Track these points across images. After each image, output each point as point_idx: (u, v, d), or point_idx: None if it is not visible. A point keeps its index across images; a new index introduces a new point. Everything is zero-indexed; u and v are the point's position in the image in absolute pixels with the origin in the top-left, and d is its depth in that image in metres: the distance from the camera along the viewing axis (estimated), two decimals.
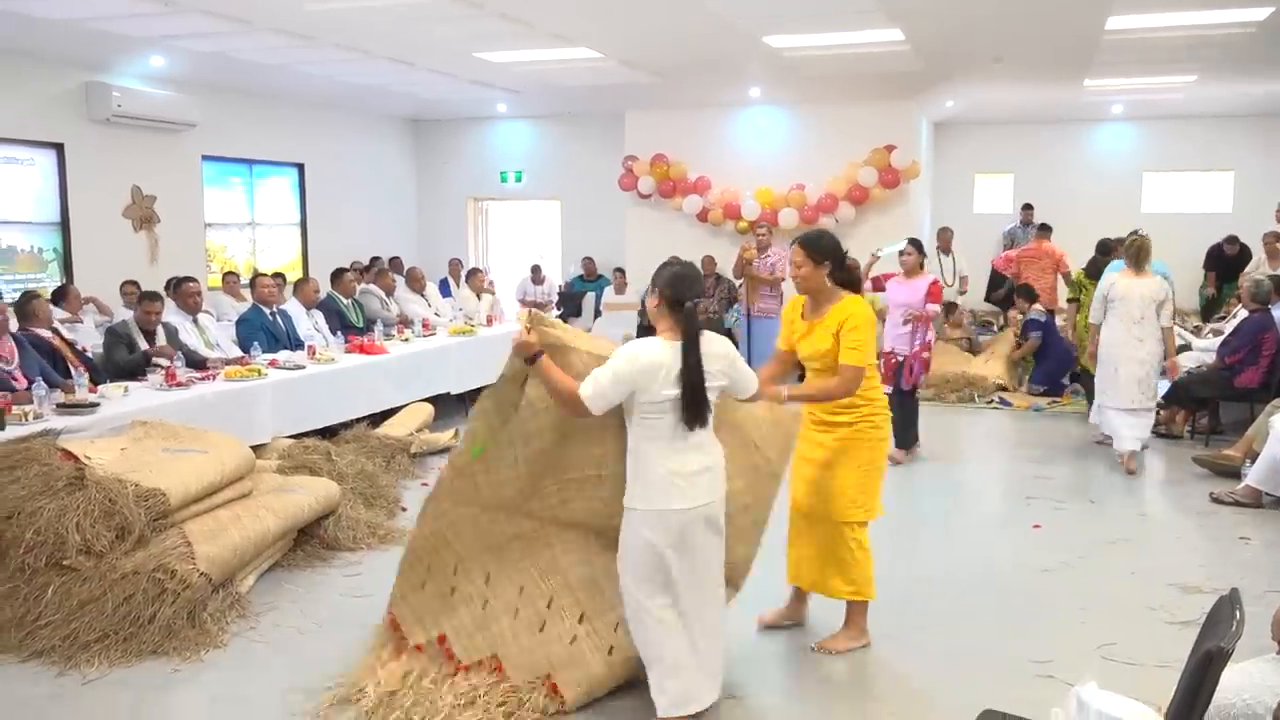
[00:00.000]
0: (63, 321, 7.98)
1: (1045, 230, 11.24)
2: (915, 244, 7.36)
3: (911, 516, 6.15)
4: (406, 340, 8.60)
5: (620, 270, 12.59)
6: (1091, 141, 14.14)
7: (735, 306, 10.51)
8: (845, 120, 11.74)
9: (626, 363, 3.32)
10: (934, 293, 7.21)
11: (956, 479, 7.16)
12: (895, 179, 11.56)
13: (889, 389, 6.37)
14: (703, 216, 12.17)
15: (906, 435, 7.39)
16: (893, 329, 7.24)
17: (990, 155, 14.48)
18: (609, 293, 12.57)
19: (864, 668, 4.05)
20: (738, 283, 10.30)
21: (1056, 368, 9.64)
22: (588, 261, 13.18)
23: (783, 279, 10.13)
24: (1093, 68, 10.04)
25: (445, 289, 12.05)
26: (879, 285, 7.45)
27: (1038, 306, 9.82)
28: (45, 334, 6.75)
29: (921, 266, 7.38)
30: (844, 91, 11.19)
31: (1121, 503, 6.48)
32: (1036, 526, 5.89)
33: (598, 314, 12.55)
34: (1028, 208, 13.31)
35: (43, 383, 5.72)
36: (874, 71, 10.12)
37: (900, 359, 7.25)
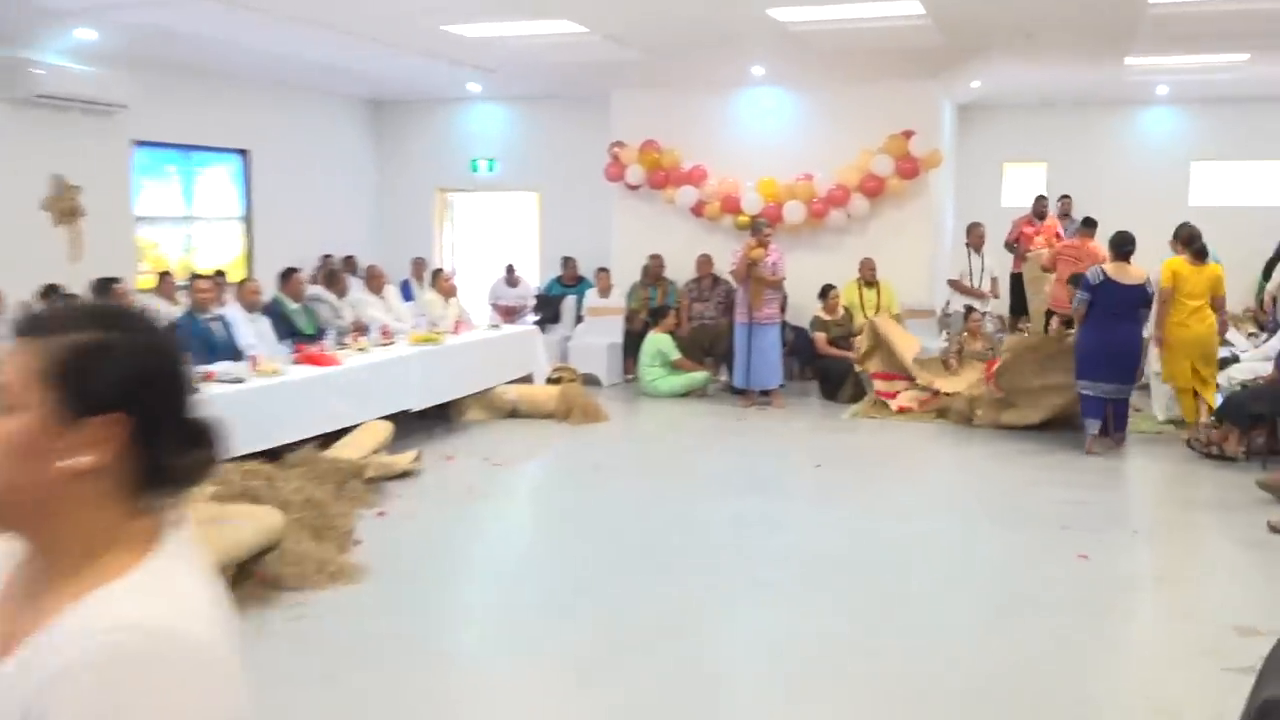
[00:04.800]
0: None
1: (1090, 226, 10.84)
2: None
3: (931, 540, 6.10)
4: (362, 350, 8.42)
5: (604, 270, 12.28)
6: (1134, 127, 14.00)
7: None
8: (858, 103, 11.55)
9: None
10: None
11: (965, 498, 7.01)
12: (914, 168, 11.35)
13: None
14: (698, 210, 11.94)
15: None
16: None
17: (1021, 142, 14.29)
18: (592, 296, 12.26)
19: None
20: (736, 286, 10.16)
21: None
22: (568, 262, 12.98)
23: (783, 278, 10.08)
24: (1135, 45, 9.88)
25: (407, 291, 11.93)
26: None
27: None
28: None
29: None
30: (857, 71, 10.91)
31: (1169, 534, 6.45)
32: (1083, 557, 5.79)
33: (579, 320, 12.25)
34: (1065, 199, 13.16)
35: None
36: (891, 48, 9.96)
37: None
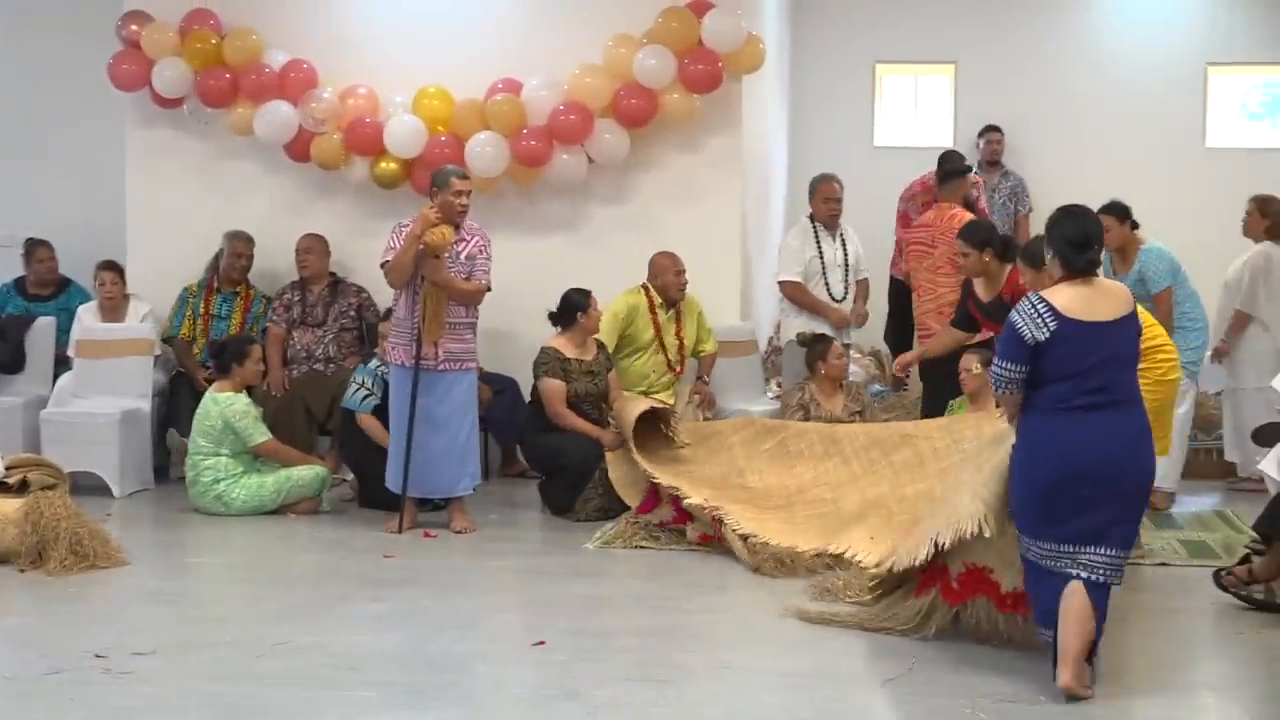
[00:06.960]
0: None
1: (953, 176, 8.05)
2: None
3: None
4: None
5: (111, 266, 9.05)
6: (1105, 8, 10.90)
7: (376, 351, 7.86)
8: None
9: None
10: None
11: None
12: (713, 73, 8.31)
13: None
14: (298, 150, 8.87)
15: None
16: None
17: (907, 29, 10.89)
18: (88, 316, 8.99)
19: None
20: (393, 302, 7.50)
21: None
22: (36, 250, 9.51)
23: (487, 288, 7.38)
24: None
25: None
26: None
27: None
28: None
29: None
30: None
31: None
32: None
33: (63, 365, 8.90)
34: (991, 136, 10.05)
35: None
36: None
37: None
